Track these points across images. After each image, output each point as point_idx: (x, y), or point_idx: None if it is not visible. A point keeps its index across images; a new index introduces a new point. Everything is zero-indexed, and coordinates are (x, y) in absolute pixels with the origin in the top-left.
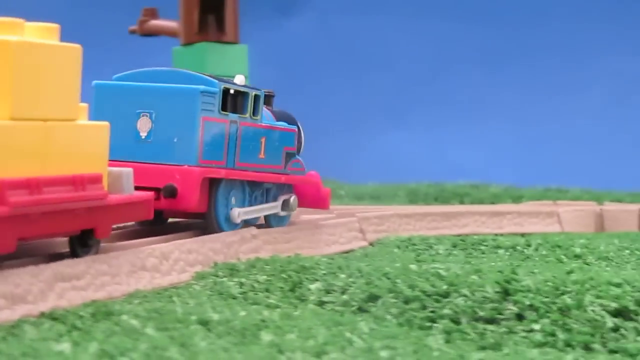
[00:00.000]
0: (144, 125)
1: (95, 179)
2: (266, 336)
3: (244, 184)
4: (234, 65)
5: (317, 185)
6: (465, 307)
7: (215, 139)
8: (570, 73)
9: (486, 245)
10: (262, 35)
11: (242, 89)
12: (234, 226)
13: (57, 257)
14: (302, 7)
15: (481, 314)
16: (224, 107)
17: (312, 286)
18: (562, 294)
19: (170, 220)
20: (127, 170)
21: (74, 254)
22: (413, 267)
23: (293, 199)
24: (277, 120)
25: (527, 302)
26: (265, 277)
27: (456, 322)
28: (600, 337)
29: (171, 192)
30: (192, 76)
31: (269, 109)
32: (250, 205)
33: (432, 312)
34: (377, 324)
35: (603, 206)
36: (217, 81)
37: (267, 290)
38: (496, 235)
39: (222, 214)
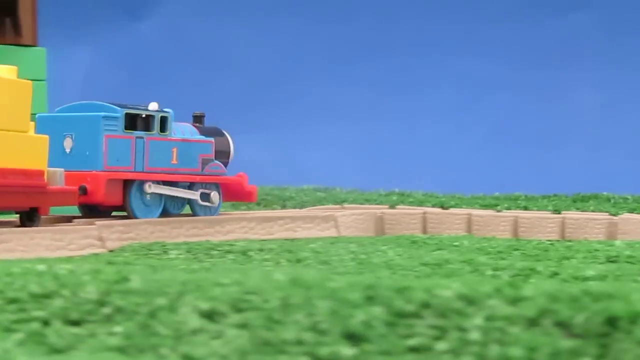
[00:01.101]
0: (68, 144)
1: (39, 173)
2: None
3: (160, 183)
4: (30, 68)
5: (241, 184)
6: (59, 309)
7: (121, 150)
8: (419, 73)
9: (219, 250)
10: (112, 38)
11: (149, 113)
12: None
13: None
14: (152, 10)
15: (73, 315)
16: (129, 127)
17: None
18: (163, 295)
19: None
20: (60, 170)
21: (22, 225)
22: (40, 267)
23: (212, 193)
24: (202, 134)
25: (121, 304)
26: None
27: (47, 324)
28: (178, 340)
29: (84, 191)
30: (101, 106)
31: (195, 125)
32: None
33: (24, 312)
34: None
35: (385, 210)
36: (119, 108)
37: None
38: (263, 240)
39: (136, 204)
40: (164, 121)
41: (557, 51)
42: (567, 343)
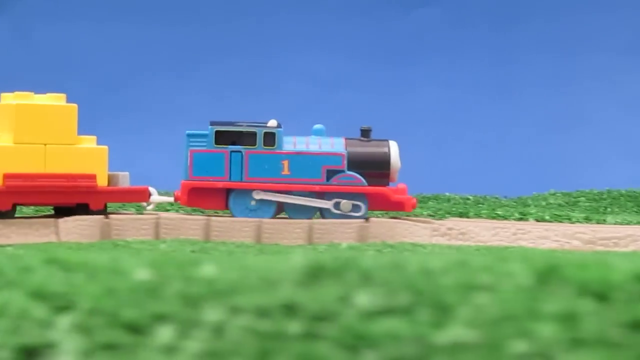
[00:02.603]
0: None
1: (89, 177)
2: None
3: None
4: None
5: (384, 194)
6: None
7: (210, 163)
8: (264, 72)
9: None
10: None
11: (249, 130)
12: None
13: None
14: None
15: None
16: (221, 142)
17: None
18: None
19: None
20: (124, 174)
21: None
22: None
23: (344, 202)
24: (364, 148)
25: None
26: None
27: None
28: None
29: None
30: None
31: (359, 139)
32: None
33: None
34: None
35: (111, 216)
36: (211, 126)
37: None
38: None
39: (236, 209)
40: (268, 136)
41: (403, 48)
42: None
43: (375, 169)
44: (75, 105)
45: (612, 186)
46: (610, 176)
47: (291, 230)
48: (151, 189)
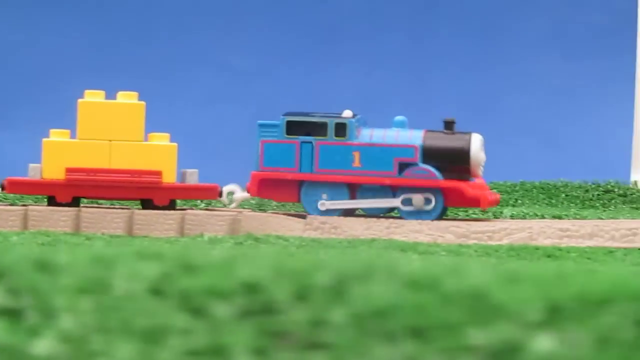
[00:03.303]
0: None
1: (155, 173)
2: None
3: (341, 184)
4: None
5: (459, 189)
6: None
7: (280, 154)
8: (179, 64)
9: None
10: None
11: (321, 120)
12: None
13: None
14: None
15: None
16: (293, 132)
17: None
18: None
19: None
20: (192, 171)
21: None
22: None
23: (415, 197)
24: (425, 140)
25: None
26: None
27: None
28: None
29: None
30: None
31: (443, 132)
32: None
33: None
34: None
35: (29, 206)
36: (283, 116)
37: None
38: None
39: (307, 202)
40: (340, 127)
41: (320, 37)
42: None
43: (453, 162)
44: (142, 103)
45: (527, 178)
46: (524, 168)
47: (162, 222)
48: (234, 187)
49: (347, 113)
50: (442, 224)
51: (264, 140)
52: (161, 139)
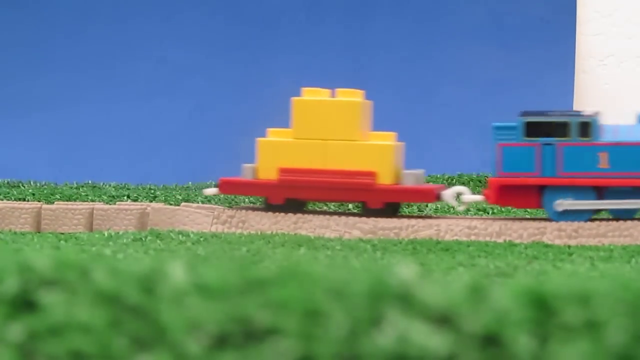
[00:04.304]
0: None
1: (369, 174)
2: None
3: (587, 188)
4: None
5: None
6: None
7: (520, 157)
8: (116, 60)
9: None
10: None
11: (561, 120)
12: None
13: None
14: None
15: None
16: (532, 134)
17: None
18: None
19: None
20: (416, 172)
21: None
22: None
23: None
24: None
25: None
26: None
27: None
28: None
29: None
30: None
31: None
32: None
33: None
34: None
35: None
36: (519, 117)
37: None
38: None
39: (550, 208)
40: (583, 126)
41: (256, 34)
42: None
43: None
44: (358, 101)
45: (464, 170)
46: (462, 160)
47: (71, 217)
48: (462, 188)
49: (589, 110)
50: (350, 220)
51: (502, 143)
52: (384, 139)
